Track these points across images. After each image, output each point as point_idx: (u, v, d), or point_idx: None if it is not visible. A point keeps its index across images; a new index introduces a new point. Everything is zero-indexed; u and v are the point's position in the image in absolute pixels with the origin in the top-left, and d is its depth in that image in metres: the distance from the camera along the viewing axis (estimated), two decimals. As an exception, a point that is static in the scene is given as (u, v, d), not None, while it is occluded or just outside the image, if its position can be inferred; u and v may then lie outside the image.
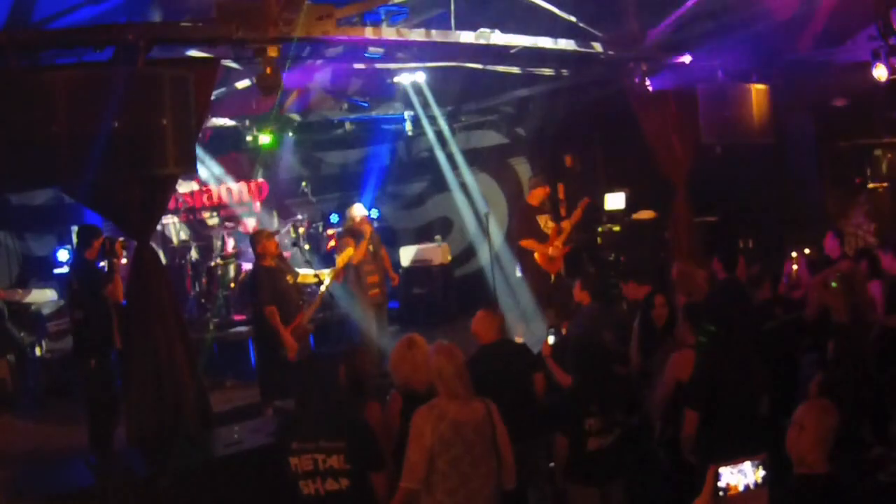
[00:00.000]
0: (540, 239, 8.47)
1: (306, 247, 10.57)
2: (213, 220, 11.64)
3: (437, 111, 10.65)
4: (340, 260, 7.67)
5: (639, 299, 6.21)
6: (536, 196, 8.67)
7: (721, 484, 3.26)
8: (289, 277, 7.24)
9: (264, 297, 6.89)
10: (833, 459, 3.14)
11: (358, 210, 8.37)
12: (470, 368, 3.92)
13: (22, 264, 10.54)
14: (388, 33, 6.23)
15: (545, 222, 8.60)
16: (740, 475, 3.30)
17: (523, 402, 4.83)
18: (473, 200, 11.53)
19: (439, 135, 11.39)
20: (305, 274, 7.70)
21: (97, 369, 6.35)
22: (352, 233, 8.20)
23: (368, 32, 6.10)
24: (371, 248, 8.19)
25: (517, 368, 4.98)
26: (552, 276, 8.52)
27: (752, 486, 3.33)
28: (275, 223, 11.30)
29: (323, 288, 7.37)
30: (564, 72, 8.87)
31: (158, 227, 9.54)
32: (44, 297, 9.46)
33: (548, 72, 8.93)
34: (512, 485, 3.89)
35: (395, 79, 9.26)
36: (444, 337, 4.10)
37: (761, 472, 3.33)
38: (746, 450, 3.49)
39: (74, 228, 9.11)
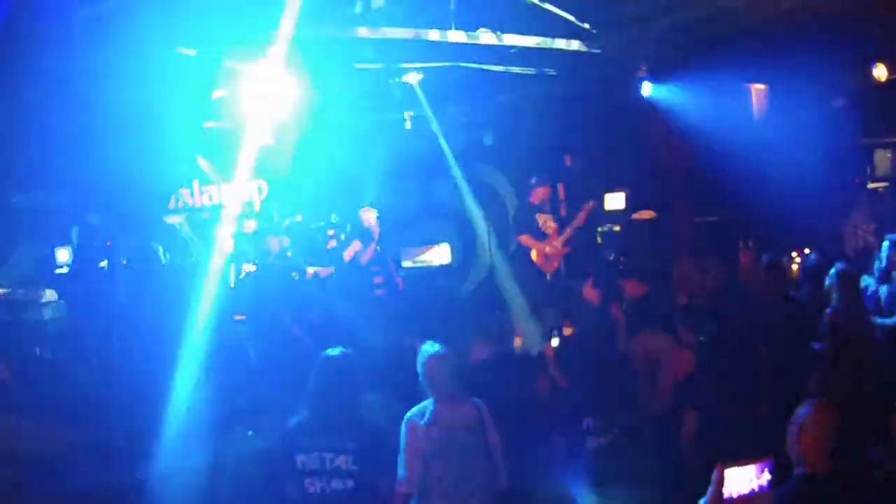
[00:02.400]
0: (537, 237, 8.49)
1: (306, 246, 10.54)
2: (211, 221, 11.61)
3: (433, 112, 10.63)
4: (347, 255, 7.75)
5: (638, 296, 6.21)
6: (538, 195, 8.71)
7: (726, 488, 3.25)
8: (294, 275, 7.30)
9: (270, 295, 6.92)
10: (833, 459, 3.14)
11: (368, 212, 8.43)
12: (470, 376, 3.92)
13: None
14: (387, 33, 6.23)
15: (544, 221, 8.62)
16: (745, 480, 3.29)
17: (524, 405, 4.81)
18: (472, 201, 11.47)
19: (437, 135, 11.34)
20: (308, 272, 7.74)
21: (97, 369, 6.36)
22: (361, 234, 8.28)
23: (366, 32, 6.11)
24: (379, 249, 8.26)
25: (518, 374, 4.95)
26: (548, 275, 8.53)
27: (756, 491, 3.33)
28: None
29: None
30: (551, 71, 8.86)
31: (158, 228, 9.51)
32: None
33: (541, 72, 8.93)
34: (504, 486, 3.89)
35: (395, 79, 9.24)
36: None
37: (766, 477, 3.32)
38: (748, 450, 3.48)
39: (74, 228, 9.10)
